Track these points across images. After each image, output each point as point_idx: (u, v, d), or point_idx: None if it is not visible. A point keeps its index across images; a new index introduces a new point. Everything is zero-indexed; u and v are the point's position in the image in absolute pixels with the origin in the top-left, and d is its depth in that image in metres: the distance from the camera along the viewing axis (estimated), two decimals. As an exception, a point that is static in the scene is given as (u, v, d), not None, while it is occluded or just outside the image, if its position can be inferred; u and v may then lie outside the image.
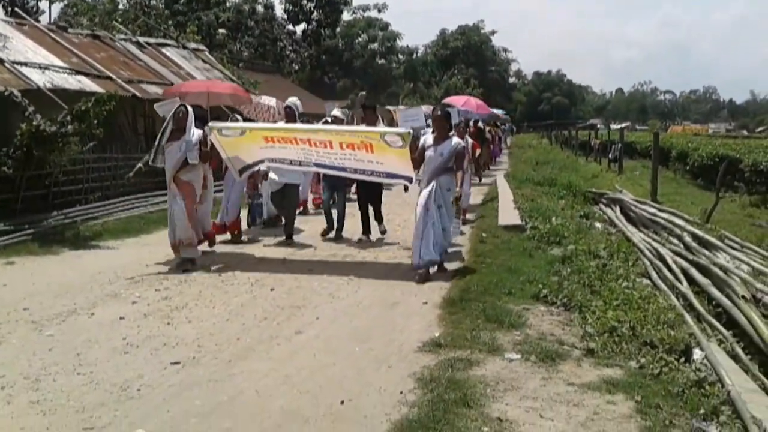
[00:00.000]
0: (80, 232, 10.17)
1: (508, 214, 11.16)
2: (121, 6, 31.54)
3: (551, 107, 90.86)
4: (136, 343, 5.25)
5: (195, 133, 8.02)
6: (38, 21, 19.27)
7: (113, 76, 14.63)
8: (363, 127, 8.99)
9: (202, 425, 3.81)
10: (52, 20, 21.10)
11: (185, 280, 7.36)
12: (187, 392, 4.28)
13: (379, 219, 9.98)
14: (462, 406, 3.90)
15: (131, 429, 3.74)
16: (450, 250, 8.17)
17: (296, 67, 52.75)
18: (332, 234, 9.98)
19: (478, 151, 13.38)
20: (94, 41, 16.85)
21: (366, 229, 9.80)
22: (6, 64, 11.94)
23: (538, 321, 5.69)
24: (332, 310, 6.16)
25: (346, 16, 59.00)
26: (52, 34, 15.32)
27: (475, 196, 14.06)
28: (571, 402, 4.05)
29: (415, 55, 71.05)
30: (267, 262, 8.49)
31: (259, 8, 50.11)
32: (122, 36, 18.62)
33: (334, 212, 10.01)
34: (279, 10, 53.06)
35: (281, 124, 9.75)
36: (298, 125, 9.47)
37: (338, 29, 57.87)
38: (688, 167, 21.11)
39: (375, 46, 60.87)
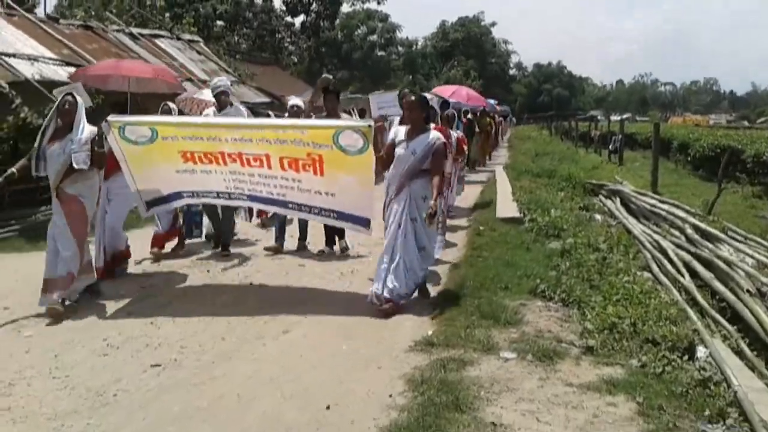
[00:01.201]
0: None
1: (506, 206, 10.95)
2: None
3: (551, 99, 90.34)
4: (116, 345, 5.05)
5: (85, 130, 5.99)
6: (33, 13, 18.98)
7: (105, 68, 14.34)
8: (313, 121, 7.13)
9: (179, 433, 3.60)
10: (46, 12, 20.85)
11: (171, 277, 7.14)
12: (165, 396, 4.07)
13: (340, 233, 8.21)
14: (454, 411, 3.69)
15: (103, 438, 3.54)
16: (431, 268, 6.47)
17: (295, 59, 52.39)
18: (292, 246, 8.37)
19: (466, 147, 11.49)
20: (87, 32, 16.57)
21: (330, 240, 8.23)
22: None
23: (536, 317, 5.48)
24: (321, 307, 5.94)
25: (345, 7, 58.71)
26: (43, 26, 15.05)
27: (473, 189, 13.86)
28: (570, 404, 3.85)
29: (414, 47, 70.71)
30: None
31: (258, 0, 49.73)
32: (115, 27, 18.33)
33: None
34: (278, 2, 52.67)
35: (206, 119, 7.61)
36: (229, 119, 7.40)
37: (337, 21, 57.54)
38: (689, 158, 20.84)
39: (374, 37, 60.60)
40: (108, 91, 11.41)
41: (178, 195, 6.79)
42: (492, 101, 25.80)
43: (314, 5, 54.34)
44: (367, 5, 59.01)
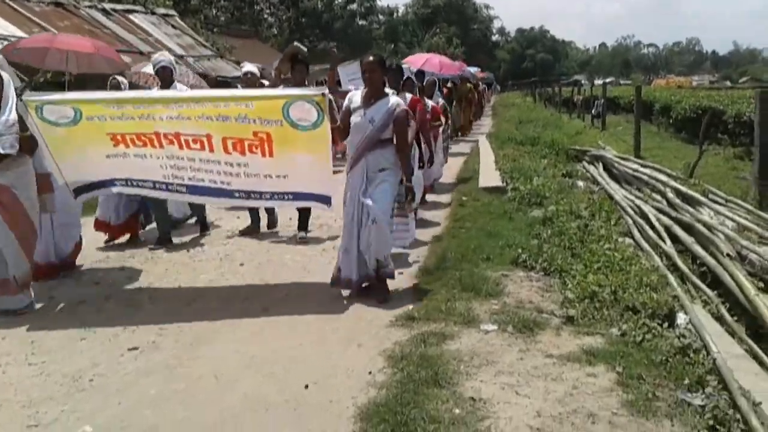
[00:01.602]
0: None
1: (489, 176, 10.91)
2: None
3: (535, 64, 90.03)
4: (94, 328, 4.98)
5: (12, 111, 5.19)
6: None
7: (77, 46, 14.05)
8: (259, 91, 6.46)
9: (155, 417, 3.55)
10: None
11: (151, 257, 7.05)
12: (142, 380, 4.02)
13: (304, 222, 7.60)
14: (433, 386, 3.67)
15: (78, 425, 3.48)
16: (396, 250, 5.86)
17: (275, 31, 51.65)
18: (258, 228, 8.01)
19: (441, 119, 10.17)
20: (57, 9, 16.23)
21: (303, 225, 7.64)
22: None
23: (517, 288, 5.47)
24: (301, 287, 5.89)
25: (323, -24, 57.80)
26: (11, 3, 14.69)
27: (456, 161, 13.78)
28: (549, 376, 3.84)
29: (395, 14, 69.94)
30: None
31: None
32: (87, 3, 17.94)
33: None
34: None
35: (136, 93, 6.97)
36: (164, 92, 6.72)
37: (316, -10, 56.67)
38: (671, 121, 20.80)
39: (354, 6, 59.78)
40: (54, 71, 10.87)
41: (109, 182, 5.98)
42: (473, 69, 25.48)
43: (293, -25, 53.46)
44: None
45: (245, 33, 38.79)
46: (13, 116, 5.18)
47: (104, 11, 17.87)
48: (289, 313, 5.17)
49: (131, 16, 18.80)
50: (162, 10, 21.37)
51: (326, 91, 5.37)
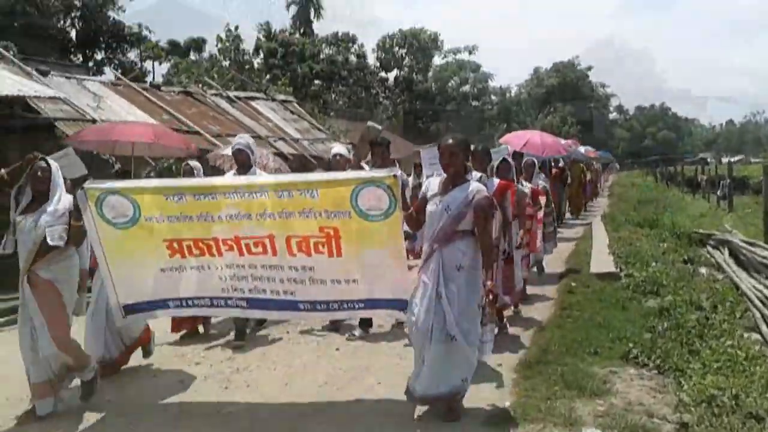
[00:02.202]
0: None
1: (601, 260, 10.39)
2: (224, 63, 33.18)
3: (656, 143, 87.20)
4: (189, 410, 5.02)
5: (62, 200, 5.03)
6: (144, 81, 20.25)
7: (202, 131, 15.06)
8: (325, 175, 5.63)
9: None
10: (153, 80, 22.34)
11: (252, 337, 7.12)
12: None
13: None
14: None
15: None
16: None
17: (390, 113, 53.41)
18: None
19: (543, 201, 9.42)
20: (186, 98, 17.55)
21: (365, 321, 7.07)
22: (98, 124, 12.46)
23: (626, 387, 5.04)
24: (396, 375, 5.70)
25: (437, 60, 59.61)
26: (146, 93, 16.04)
27: (565, 246, 13.28)
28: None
29: (508, 95, 70.51)
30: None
31: (352, 58, 51.30)
32: (213, 92, 19.31)
33: None
34: (371, 59, 54.24)
35: (195, 180, 6.34)
36: (223, 179, 6.37)
37: (430, 74, 58.37)
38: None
39: (467, 88, 60.91)
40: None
41: (162, 303, 5.33)
42: (585, 148, 24.83)
43: (407, 60, 55.51)
44: (459, 56, 59.70)
45: (361, 116, 40.32)
46: (63, 206, 5.03)
47: (228, 99, 19.14)
48: (381, 402, 4.99)
49: (253, 103, 20.02)
50: (282, 97, 22.68)
51: (398, 171, 4.74)
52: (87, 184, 5.03)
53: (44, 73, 13.61)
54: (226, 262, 5.12)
